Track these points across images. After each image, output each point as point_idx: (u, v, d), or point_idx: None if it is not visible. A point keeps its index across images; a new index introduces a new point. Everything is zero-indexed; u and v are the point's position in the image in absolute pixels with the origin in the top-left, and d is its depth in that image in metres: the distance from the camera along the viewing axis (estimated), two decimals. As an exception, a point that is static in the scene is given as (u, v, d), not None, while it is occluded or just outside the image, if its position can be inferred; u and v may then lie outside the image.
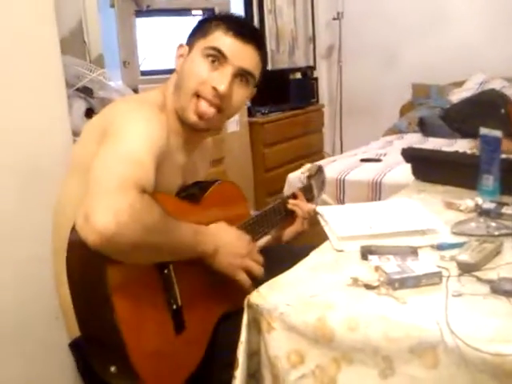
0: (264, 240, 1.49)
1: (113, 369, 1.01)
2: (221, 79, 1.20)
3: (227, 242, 1.16)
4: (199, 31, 1.25)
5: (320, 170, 1.73)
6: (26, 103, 1.56)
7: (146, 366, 1.01)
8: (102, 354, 1.03)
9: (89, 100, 2.22)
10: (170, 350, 1.08)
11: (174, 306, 1.09)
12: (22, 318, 1.55)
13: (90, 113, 2.10)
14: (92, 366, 1.04)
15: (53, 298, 1.24)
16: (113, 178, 0.96)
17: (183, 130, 1.27)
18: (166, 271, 1.09)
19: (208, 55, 1.21)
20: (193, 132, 1.27)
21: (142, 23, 2.74)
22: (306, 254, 1.24)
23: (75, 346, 1.19)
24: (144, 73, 2.65)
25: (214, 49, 1.21)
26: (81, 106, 2.15)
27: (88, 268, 1.00)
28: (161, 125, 1.13)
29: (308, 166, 1.70)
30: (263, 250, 1.62)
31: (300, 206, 1.52)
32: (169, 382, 1.09)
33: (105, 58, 2.63)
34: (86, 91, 2.23)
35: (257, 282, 1.17)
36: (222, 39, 1.21)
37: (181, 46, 1.26)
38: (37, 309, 1.56)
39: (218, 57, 1.21)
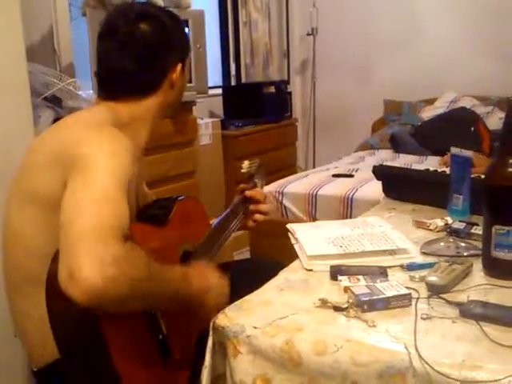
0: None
1: None
2: None
3: (212, 287, 1.14)
4: (185, 48, 1.36)
5: (260, 165, 1.66)
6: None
7: None
8: None
9: (57, 110, 2.17)
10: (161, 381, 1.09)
11: (160, 336, 1.08)
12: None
13: (58, 123, 2.06)
14: None
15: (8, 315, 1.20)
16: (92, 228, 0.92)
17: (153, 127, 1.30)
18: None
19: None
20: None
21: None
22: (275, 272, 1.22)
23: (43, 375, 1.16)
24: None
25: None
26: (49, 116, 2.10)
27: (76, 321, 0.98)
28: (127, 149, 1.09)
29: (246, 163, 1.59)
30: (233, 267, 1.61)
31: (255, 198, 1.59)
32: None
33: (76, 67, 2.59)
34: (55, 101, 2.19)
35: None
36: None
37: (181, 67, 1.31)
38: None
39: None
